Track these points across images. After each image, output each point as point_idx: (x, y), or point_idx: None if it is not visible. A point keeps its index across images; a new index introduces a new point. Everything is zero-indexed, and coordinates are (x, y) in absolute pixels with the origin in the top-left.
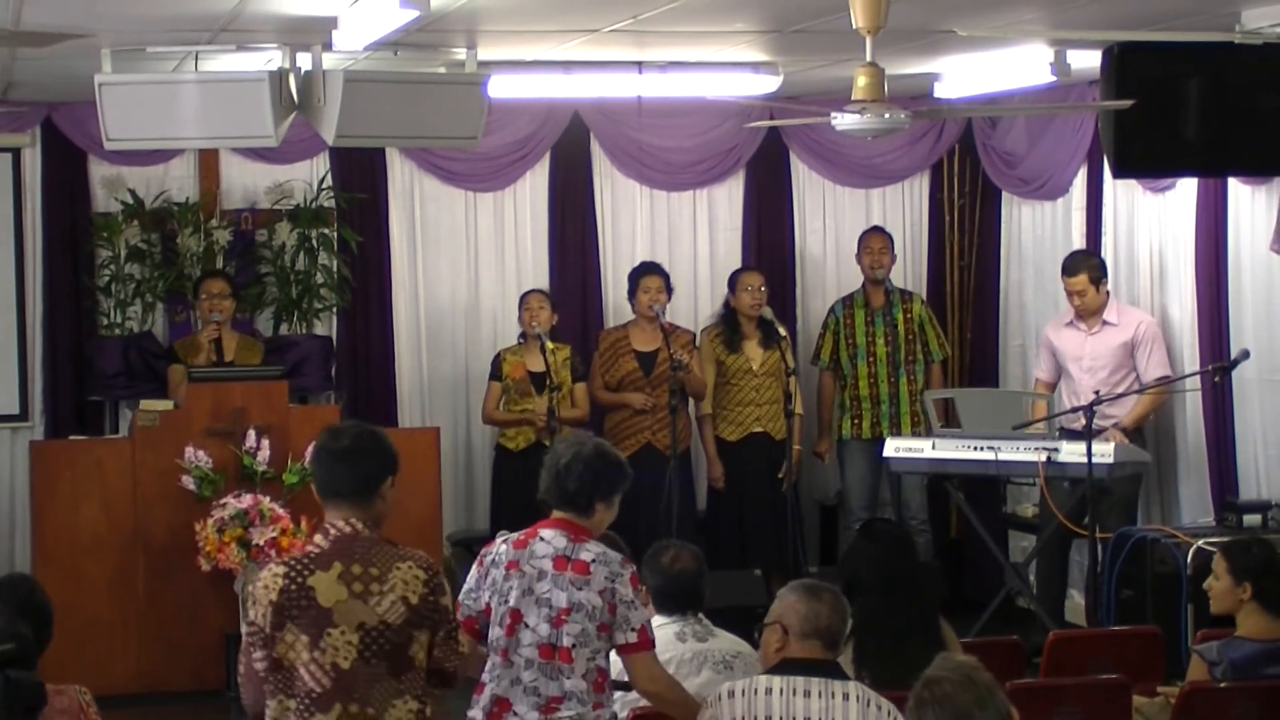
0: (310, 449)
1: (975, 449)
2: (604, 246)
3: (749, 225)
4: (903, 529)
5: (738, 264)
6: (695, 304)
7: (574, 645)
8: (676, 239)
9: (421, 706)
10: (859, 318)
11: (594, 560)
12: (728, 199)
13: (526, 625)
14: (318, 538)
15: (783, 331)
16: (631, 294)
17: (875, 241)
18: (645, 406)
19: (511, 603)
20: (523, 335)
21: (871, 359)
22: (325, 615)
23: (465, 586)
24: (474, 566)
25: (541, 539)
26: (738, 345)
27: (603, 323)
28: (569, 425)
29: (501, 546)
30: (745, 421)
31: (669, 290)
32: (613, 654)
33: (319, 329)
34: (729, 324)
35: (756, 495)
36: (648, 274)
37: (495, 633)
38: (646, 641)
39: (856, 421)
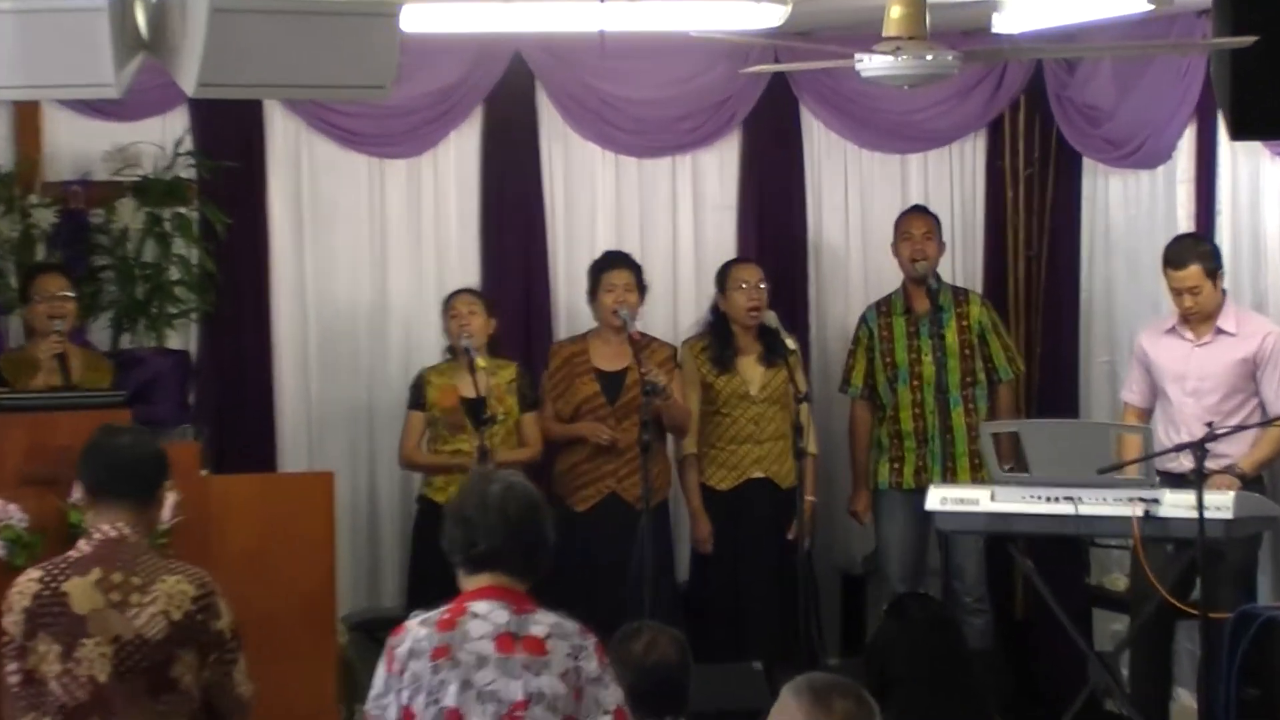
0: (84, 447)
1: (1048, 500)
2: (554, 231)
3: (746, 203)
4: (943, 607)
5: (731, 254)
6: (675, 308)
7: None
8: (650, 221)
9: None
10: (898, 328)
11: (549, 635)
12: (718, 168)
13: None
14: (81, 543)
15: (791, 344)
16: (591, 294)
17: (916, 225)
18: (608, 442)
19: (448, 701)
20: (450, 349)
21: (916, 383)
22: (79, 624)
23: (373, 690)
24: (381, 664)
25: (475, 615)
26: (731, 363)
27: (552, 334)
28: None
29: (420, 630)
30: (741, 464)
31: (641, 289)
32: None
33: (173, 341)
34: (719, 335)
35: (756, 562)
36: (613, 268)
37: None
38: None
39: (897, 466)
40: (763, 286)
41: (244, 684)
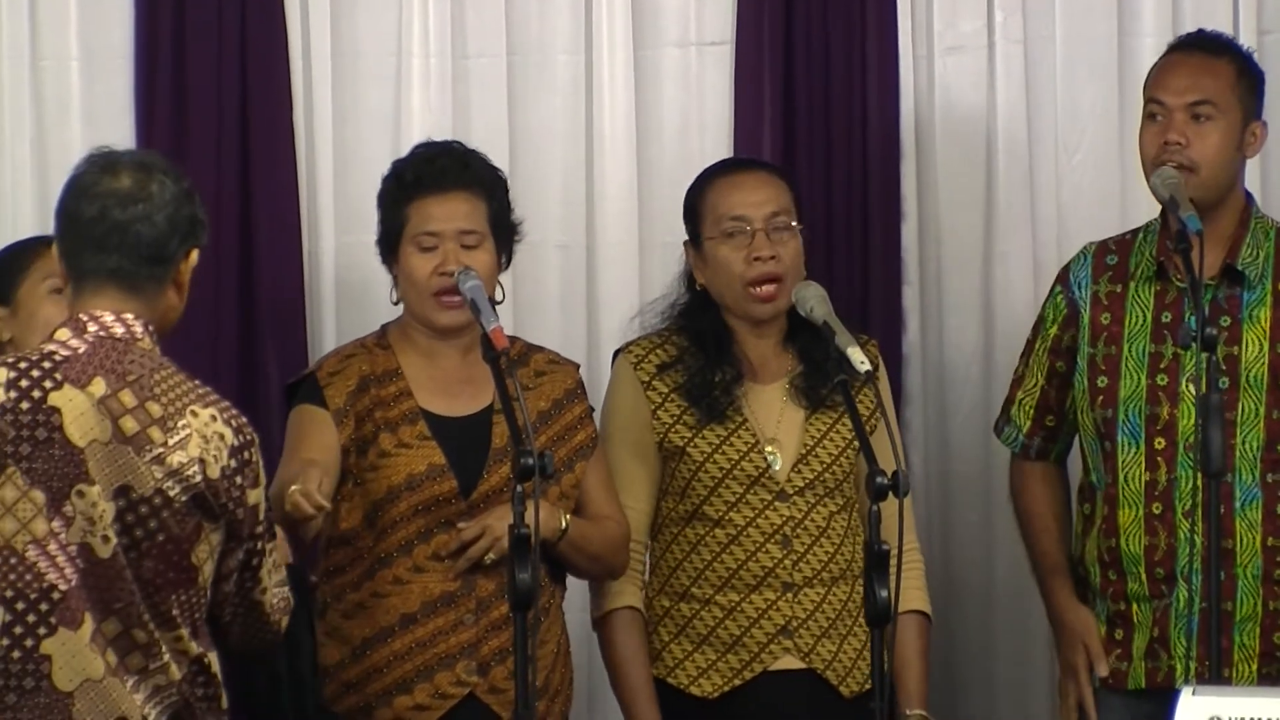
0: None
1: None
2: (306, 98)
3: (757, 40)
4: None
5: (719, 150)
6: (592, 271)
7: None
8: (525, 83)
9: (201, 652)
10: (1135, 309)
11: None
12: None
13: None
14: (65, 333)
15: (859, 357)
16: (388, 246)
17: (1177, 77)
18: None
19: None
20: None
21: (1160, 440)
22: (74, 460)
23: None
24: None
25: None
26: (727, 399)
27: (306, 334)
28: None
29: None
30: (749, 640)
31: (500, 236)
32: None
33: None
34: (700, 336)
35: None
36: (436, 188)
37: None
38: None
39: (1114, 634)
40: (794, 226)
41: (276, 592)
